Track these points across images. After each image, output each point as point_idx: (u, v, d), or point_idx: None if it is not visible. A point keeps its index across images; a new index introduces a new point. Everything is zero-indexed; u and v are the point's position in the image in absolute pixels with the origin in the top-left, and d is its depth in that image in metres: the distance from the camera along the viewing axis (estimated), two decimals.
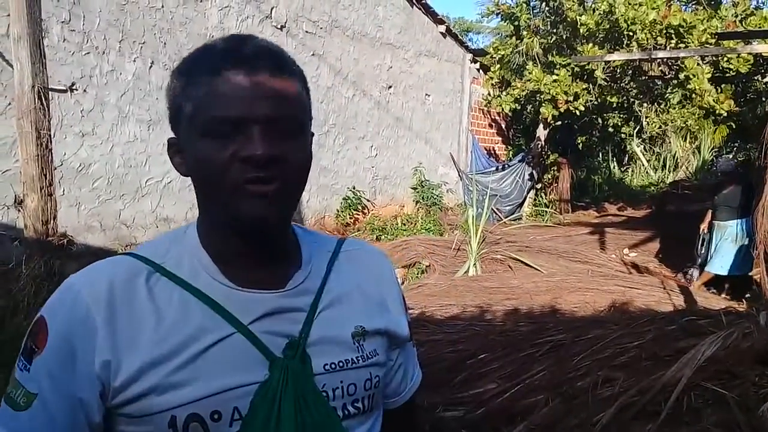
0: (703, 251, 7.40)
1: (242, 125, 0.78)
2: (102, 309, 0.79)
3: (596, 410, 2.55)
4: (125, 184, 6.05)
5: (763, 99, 11.27)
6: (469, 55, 12.65)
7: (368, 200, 10.05)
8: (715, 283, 7.21)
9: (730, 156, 11.56)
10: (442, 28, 11.60)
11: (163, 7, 6.27)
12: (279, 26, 7.80)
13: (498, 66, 11.46)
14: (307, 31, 8.33)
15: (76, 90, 5.54)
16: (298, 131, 0.83)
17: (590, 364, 3.03)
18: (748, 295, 6.43)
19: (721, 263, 7.01)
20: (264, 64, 0.80)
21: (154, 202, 6.35)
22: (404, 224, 9.99)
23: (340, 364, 0.88)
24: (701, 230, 7.38)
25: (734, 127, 13.75)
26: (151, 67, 6.20)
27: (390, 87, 10.31)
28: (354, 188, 9.59)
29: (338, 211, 9.35)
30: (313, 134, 0.91)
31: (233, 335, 0.82)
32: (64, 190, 5.46)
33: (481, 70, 12.99)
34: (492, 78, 11.65)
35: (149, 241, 0.93)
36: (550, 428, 2.60)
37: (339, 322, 0.91)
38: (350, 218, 9.50)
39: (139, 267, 0.84)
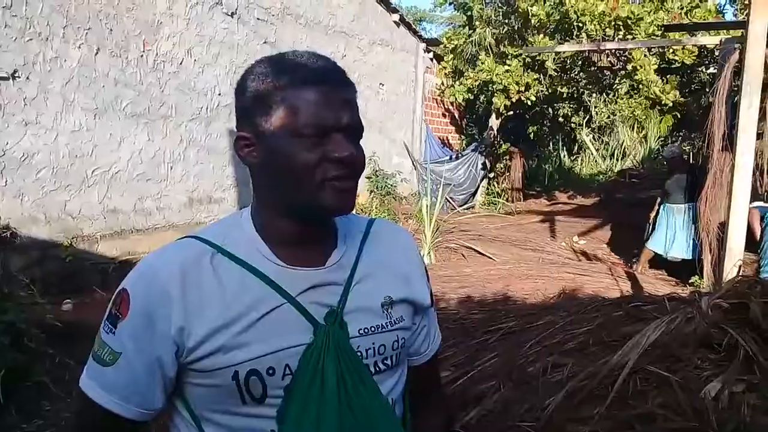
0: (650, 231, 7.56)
1: (330, 131, 0.95)
2: (177, 284, 0.94)
3: (546, 395, 2.61)
4: (71, 174, 5.87)
5: (707, 90, 11.59)
6: (423, 45, 12.65)
7: None
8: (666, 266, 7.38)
9: (676, 143, 11.85)
10: (396, 16, 11.57)
11: None
12: (230, 13, 7.66)
13: (451, 56, 11.51)
14: (258, 18, 8.21)
15: (19, 77, 5.34)
16: (361, 136, 1.01)
17: (540, 350, 3.09)
18: (691, 281, 6.64)
19: (660, 241, 7.16)
20: (342, 82, 1.00)
21: (101, 192, 6.18)
22: (358, 214, 9.97)
23: (372, 329, 1.04)
24: (650, 218, 7.55)
25: (679, 116, 14.13)
26: (97, 53, 6.02)
27: None
28: None
29: None
30: None
31: (284, 305, 0.98)
32: (6, 181, 5.27)
33: (434, 60, 13.02)
34: (445, 68, 11.70)
35: (209, 226, 1.08)
36: (502, 413, 2.64)
37: (370, 293, 1.06)
38: None
39: (205, 248, 0.99)
